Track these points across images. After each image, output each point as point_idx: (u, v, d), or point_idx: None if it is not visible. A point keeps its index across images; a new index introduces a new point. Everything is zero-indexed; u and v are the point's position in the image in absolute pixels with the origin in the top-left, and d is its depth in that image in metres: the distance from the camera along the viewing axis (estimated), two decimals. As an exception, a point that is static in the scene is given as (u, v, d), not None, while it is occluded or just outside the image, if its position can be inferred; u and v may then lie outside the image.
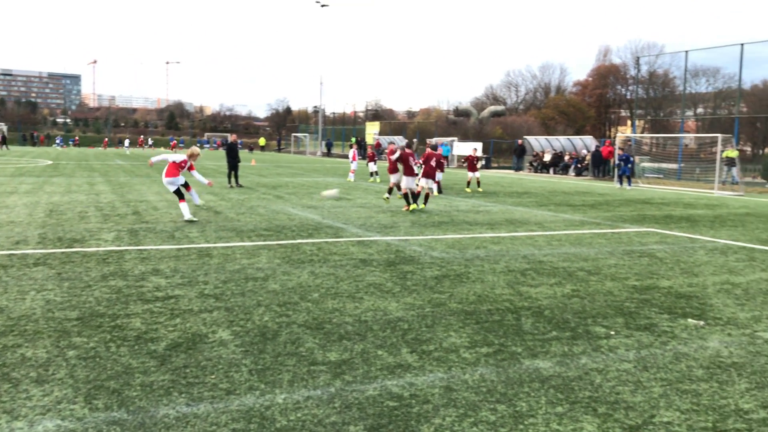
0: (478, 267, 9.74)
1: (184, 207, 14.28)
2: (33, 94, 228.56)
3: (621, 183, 30.98)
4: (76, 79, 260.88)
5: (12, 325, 6.30)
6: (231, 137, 26.26)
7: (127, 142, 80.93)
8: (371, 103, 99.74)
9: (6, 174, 28.77)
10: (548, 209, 19.11)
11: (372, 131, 73.03)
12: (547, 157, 45.84)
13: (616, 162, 31.77)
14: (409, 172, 17.73)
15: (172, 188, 14.52)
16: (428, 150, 18.55)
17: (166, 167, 14.61)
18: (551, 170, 44.72)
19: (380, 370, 5.34)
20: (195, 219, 14.23)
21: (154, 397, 4.68)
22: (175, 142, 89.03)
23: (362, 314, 7.01)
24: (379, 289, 8.19)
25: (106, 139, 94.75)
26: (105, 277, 8.47)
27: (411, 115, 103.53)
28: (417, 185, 17.96)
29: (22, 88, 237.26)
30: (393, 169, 19.26)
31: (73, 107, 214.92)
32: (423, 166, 18.25)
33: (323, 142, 76.00)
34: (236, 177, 24.79)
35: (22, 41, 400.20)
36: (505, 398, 4.84)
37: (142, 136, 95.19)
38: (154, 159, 15.05)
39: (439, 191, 23.46)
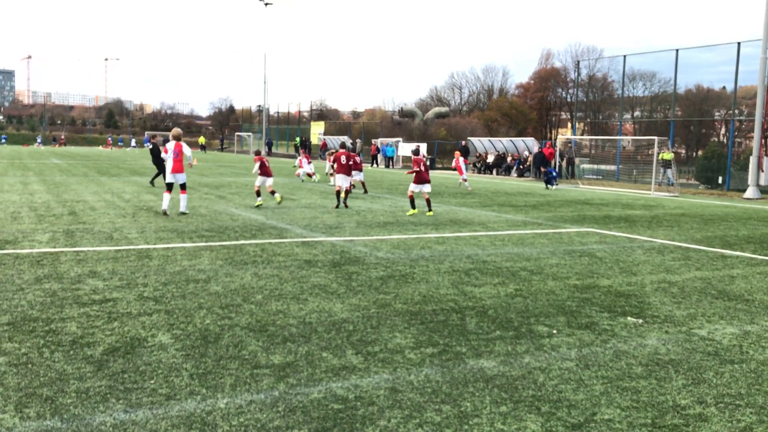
0: (422, 267, 9.77)
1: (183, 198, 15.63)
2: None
3: (551, 184, 31.84)
4: (9, 74, 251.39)
5: (-63, 331, 5.99)
6: (153, 139, 25.65)
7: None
8: (316, 103, 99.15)
9: (-68, 172, 27.52)
10: (491, 210, 19.35)
11: (317, 131, 72.73)
12: (490, 159, 46.47)
13: (548, 169, 32.78)
14: (341, 170, 18.35)
15: (181, 181, 15.56)
16: (338, 150, 19.03)
17: (173, 163, 15.34)
18: (494, 171, 45.36)
19: (325, 373, 5.28)
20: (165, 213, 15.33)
21: (90, 404, 4.51)
22: (110, 141, 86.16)
23: (307, 316, 6.93)
24: (324, 290, 8.12)
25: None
26: (39, 279, 8.15)
27: (356, 115, 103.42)
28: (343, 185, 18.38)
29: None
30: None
31: (6, 104, 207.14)
32: (334, 164, 18.89)
33: (264, 142, 75.27)
34: (155, 177, 24.02)
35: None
36: (449, 398, 4.85)
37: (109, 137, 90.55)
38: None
39: (365, 191, 23.91)
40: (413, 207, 17.51)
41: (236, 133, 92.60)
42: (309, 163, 30.46)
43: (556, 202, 23.31)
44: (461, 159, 28.31)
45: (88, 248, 10.47)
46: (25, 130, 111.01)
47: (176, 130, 16.20)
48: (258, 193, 17.91)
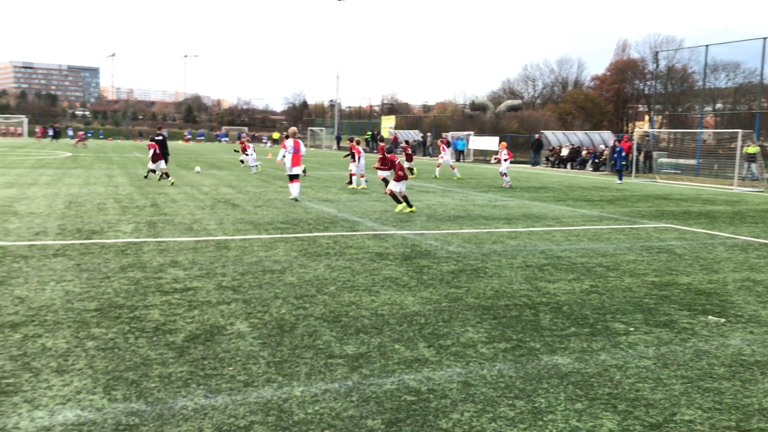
0: (495, 262, 9.69)
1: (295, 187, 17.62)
2: (53, 87, 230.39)
3: (620, 178, 30.95)
4: (94, 71, 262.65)
5: (32, 315, 6.35)
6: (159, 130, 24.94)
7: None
8: (387, 97, 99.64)
9: (26, 166, 29.05)
10: (566, 204, 18.99)
11: (388, 125, 72.97)
12: (565, 152, 45.57)
13: (614, 156, 31.93)
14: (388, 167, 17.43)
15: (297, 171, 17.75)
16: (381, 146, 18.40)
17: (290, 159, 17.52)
18: (568, 165, 44.45)
19: (397, 364, 5.32)
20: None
21: (173, 389, 4.70)
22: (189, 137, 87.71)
23: (379, 308, 6.99)
24: (395, 282, 8.17)
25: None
26: (123, 268, 8.52)
27: (427, 108, 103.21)
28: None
29: (42, 81, 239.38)
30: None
31: (92, 100, 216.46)
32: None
33: (335, 136, 76.03)
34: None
35: (42, 34, 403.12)
36: (523, 394, 4.81)
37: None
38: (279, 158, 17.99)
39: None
40: (399, 203, 15.85)
41: (309, 128, 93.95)
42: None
43: (633, 197, 22.67)
44: (505, 151, 25.04)
45: (169, 239, 10.86)
46: (109, 125, 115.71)
47: (292, 129, 18.59)
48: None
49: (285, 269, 8.74)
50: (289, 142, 17.62)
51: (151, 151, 22.64)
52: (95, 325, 6.11)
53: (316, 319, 6.50)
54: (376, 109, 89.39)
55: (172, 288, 7.56)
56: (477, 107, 78.02)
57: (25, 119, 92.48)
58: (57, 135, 75.29)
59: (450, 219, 14.59)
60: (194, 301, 7.05)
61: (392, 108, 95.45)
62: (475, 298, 7.55)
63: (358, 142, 22.95)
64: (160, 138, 23.00)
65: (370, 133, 70.48)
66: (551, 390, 4.90)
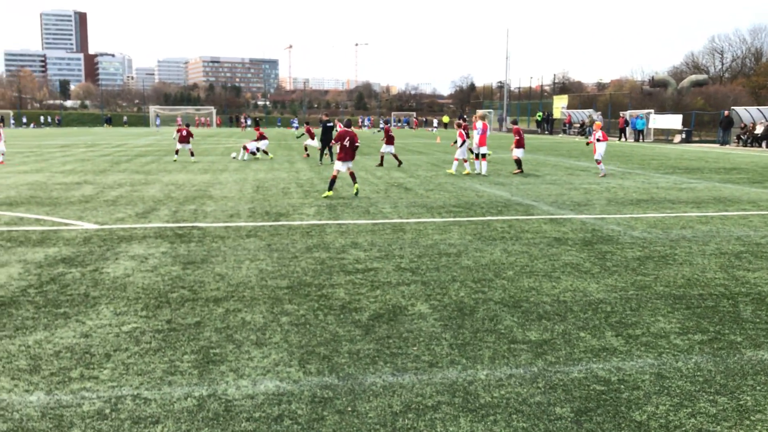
0: (684, 248, 9.08)
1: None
2: (237, 79, 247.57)
3: None
4: (274, 63, 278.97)
5: (232, 291, 6.88)
6: (323, 117, 26.76)
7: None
8: (558, 76, 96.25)
9: (216, 153, 31.46)
10: (763, 187, 17.35)
11: (560, 105, 70.66)
12: (759, 129, 41.59)
13: None
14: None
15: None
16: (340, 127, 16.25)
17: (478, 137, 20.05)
18: (764, 143, 40.55)
19: (584, 353, 5.16)
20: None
21: (361, 365, 4.88)
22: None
23: (560, 294, 6.81)
24: (576, 269, 7.91)
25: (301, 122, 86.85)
26: (309, 249, 8.98)
27: (601, 86, 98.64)
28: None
29: (228, 74, 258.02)
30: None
31: (272, 90, 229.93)
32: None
33: (497, 118, 74.84)
34: (330, 153, 24.79)
35: (227, 30, 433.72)
36: (725, 390, 4.47)
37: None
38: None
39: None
40: (331, 189, 14.85)
41: (477, 110, 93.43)
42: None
43: None
44: (600, 132, 20.33)
45: (348, 221, 11.29)
46: (287, 114, 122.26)
47: (481, 112, 21.96)
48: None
49: (461, 252, 8.77)
50: (479, 124, 20.31)
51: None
52: (287, 301, 6.50)
53: (495, 304, 6.46)
54: (547, 88, 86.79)
55: (354, 268, 7.86)
56: (657, 83, 73.32)
57: (213, 110, 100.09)
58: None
59: (632, 203, 13.87)
60: (376, 281, 7.27)
61: (564, 87, 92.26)
62: (665, 286, 7.12)
63: (464, 127, 20.98)
64: (331, 125, 24.65)
65: (540, 113, 68.70)
66: (758, 388, 4.51)
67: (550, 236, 9.96)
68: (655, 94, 68.83)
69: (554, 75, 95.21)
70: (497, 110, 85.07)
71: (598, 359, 5.02)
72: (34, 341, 5.37)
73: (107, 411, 4.15)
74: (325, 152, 25.20)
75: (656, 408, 4.20)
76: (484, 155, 20.26)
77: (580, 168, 23.30)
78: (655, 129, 49.65)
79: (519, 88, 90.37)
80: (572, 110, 65.69)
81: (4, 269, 7.75)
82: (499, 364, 4.91)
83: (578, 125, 60.23)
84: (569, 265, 8.06)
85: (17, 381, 4.59)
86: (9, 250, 8.78)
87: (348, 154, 14.72)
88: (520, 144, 20.95)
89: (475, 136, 20.29)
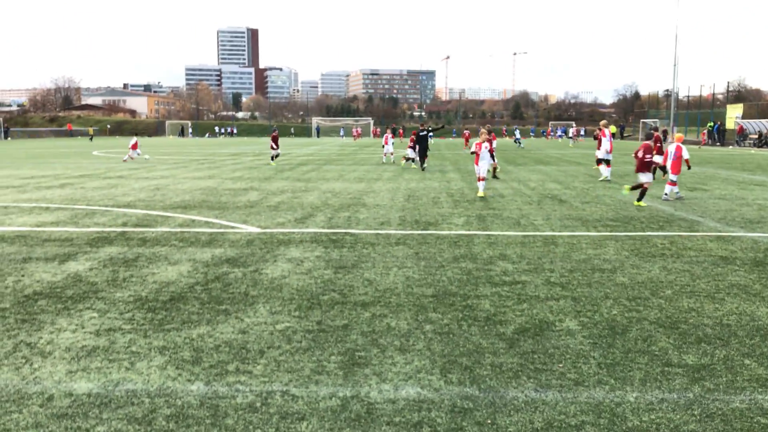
0: None
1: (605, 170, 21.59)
2: (395, 91, 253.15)
3: None
4: (431, 75, 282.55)
5: (379, 296, 7.04)
6: (420, 126, 29.07)
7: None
8: (733, 83, 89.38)
9: (371, 162, 32.32)
10: None
11: (734, 114, 65.67)
12: None
13: None
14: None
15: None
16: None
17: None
18: None
19: (748, 381, 4.76)
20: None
21: (504, 379, 4.82)
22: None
23: (724, 317, 6.33)
24: (744, 290, 7.32)
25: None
26: (456, 258, 8.99)
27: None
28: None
29: (386, 86, 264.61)
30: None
31: (428, 101, 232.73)
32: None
33: (662, 128, 70.51)
34: (421, 161, 27.21)
35: (386, 44, 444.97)
36: None
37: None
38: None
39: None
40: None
41: (641, 120, 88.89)
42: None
43: None
44: (607, 131, 22.46)
45: (497, 232, 11.17)
46: (443, 124, 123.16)
47: (603, 122, 23.28)
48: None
49: (616, 269, 8.40)
50: (607, 131, 22.32)
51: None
52: (432, 310, 6.55)
53: (650, 324, 6.12)
54: (720, 97, 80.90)
55: (501, 280, 7.77)
56: None
57: (370, 121, 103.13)
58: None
59: (813, 221, 12.58)
60: (523, 294, 7.14)
61: (739, 95, 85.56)
62: None
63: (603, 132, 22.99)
64: (424, 133, 27.27)
65: (711, 123, 64.17)
66: None
67: (715, 254, 9.28)
68: None
69: (728, 82, 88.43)
70: (663, 120, 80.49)
71: (764, 390, 4.62)
72: (197, 335, 5.81)
73: (258, 404, 4.41)
74: (415, 159, 27.87)
75: (831, 449, 3.79)
76: (608, 161, 21.82)
77: (754, 182, 21.52)
78: None
79: (688, 96, 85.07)
80: (748, 120, 60.76)
81: (175, 267, 8.45)
82: (651, 387, 4.65)
83: (755, 136, 55.58)
84: (736, 287, 7.47)
85: (181, 371, 4.99)
86: (181, 250, 9.56)
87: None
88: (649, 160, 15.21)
89: (605, 143, 21.79)
